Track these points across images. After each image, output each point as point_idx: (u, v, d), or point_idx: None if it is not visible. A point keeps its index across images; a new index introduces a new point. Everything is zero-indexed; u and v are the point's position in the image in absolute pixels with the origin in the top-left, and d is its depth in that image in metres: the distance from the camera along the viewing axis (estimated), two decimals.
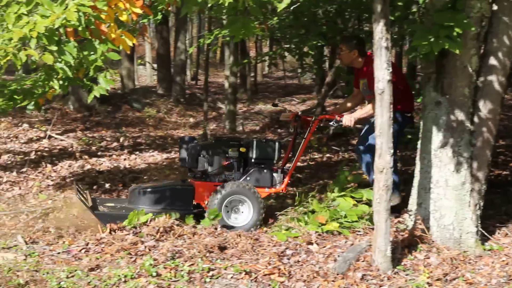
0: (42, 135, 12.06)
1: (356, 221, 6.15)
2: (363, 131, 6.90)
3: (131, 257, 5.22)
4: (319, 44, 10.49)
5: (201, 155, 6.63)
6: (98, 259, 5.20)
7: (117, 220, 6.04)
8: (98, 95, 6.40)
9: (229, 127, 13.96)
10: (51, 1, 4.60)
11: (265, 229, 6.18)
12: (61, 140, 11.72)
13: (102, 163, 9.79)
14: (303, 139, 6.81)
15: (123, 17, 4.72)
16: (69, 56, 4.79)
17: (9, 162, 9.63)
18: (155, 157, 10.40)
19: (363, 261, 5.14)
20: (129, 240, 5.52)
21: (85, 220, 6.32)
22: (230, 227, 6.15)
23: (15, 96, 6.70)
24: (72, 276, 4.83)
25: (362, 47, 6.93)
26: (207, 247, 5.35)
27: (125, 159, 10.15)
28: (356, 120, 6.80)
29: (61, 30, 4.66)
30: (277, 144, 6.74)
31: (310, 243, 5.62)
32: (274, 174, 6.72)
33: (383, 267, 4.98)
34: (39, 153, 10.37)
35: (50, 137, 11.80)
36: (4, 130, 12.37)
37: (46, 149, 10.84)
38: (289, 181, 6.78)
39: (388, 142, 4.86)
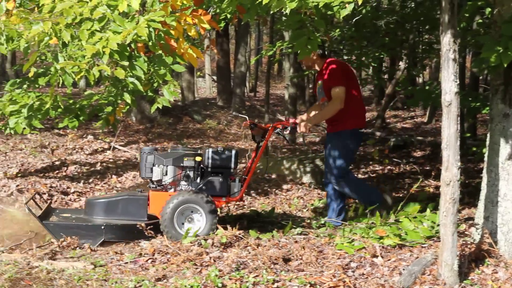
0: (106, 146, 12.30)
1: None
2: (326, 159, 6.87)
3: (196, 268, 5.28)
4: (381, 55, 10.46)
5: (156, 165, 6.61)
6: (164, 269, 5.27)
7: (66, 230, 6.14)
8: (161, 106, 6.54)
9: (289, 138, 13.96)
10: (123, 17, 4.72)
11: (329, 241, 6.16)
12: (125, 151, 11.93)
13: None
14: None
15: (192, 33, 4.79)
16: (140, 70, 4.89)
17: (75, 173, 9.85)
18: None
19: (429, 275, 5.08)
20: (194, 250, 5.58)
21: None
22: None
23: (82, 114, 6.88)
24: (140, 286, 4.91)
25: (321, 49, 6.82)
26: (271, 259, 5.36)
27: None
28: (311, 126, 6.81)
29: (132, 45, 4.77)
30: (233, 152, 6.65)
31: (375, 255, 5.58)
32: (232, 183, 6.65)
33: (450, 281, 4.92)
34: (104, 164, 10.58)
35: (114, 148, 12.02)
36: (70, 142, 12.67)
37: (111, 160, 11.05)
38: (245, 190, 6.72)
39: (455, 154, 4.81)
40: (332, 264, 5.36)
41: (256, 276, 5.06)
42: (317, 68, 6.88)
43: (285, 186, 9.21)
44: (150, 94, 6.85)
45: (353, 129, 6.66)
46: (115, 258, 5.69)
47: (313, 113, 7.21)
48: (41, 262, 5.43)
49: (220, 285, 4.86)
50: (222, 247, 5.73)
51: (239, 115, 6.91)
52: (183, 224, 6.27)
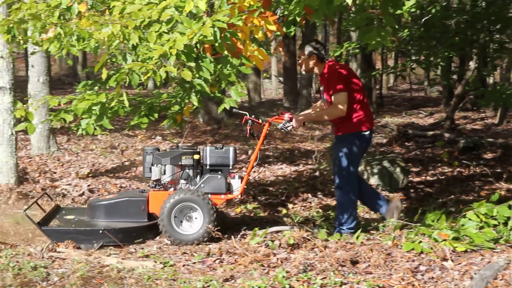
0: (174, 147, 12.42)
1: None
2: (334, 159, 6.63)
3: (264, 269, 5.29)
4: (450, 55, 10.29)
5: (154, 165, 6.61)
6: (232, 270, 5.29)
7: (65, 236, 6.13)
8: (228, 107, 6.56)
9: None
10: (190, 19, 4.75)
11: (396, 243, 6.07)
12: None
13: None
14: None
15: (259, 35, 4.79)
16: (206, 71, 4.92)
17: None
18: (284, 169, 10.47)
19: (501, 280, 4.94)
20: (261, 252, 5.59)
21: None
22: (179, 239, 6.16)
23: (151, 112, 6.95)
24: (208, 286, 4.94)
25: (320, 52, 6.50)
26: (339, 261, 5.32)
27: (254, 171, 10.29)
28: (305, 121, 6.62)
29: (199, 46, 4.80)
30: (231, 149, 6.58)
31: (444, 259, 5.48)
32: (232, 181, 6.58)
33: None
34: None
35: None
36: (139, 142, 12.88)
37: None
38: (245, 187, 6.61)
39: None
40: (401, 267, 5.29)
41: (324, 278, 5.03)
42: (317, 71, 6.62)
43: None
44: (217, 95, 6.88)
45: (358, 132, 6.43)
46: (183, 258, 5.75)
47: (310, 111, 7.07)
48: (112, 261, 5.52)
49: (287, 286, 4.86)
50: (289, 248, 5.72)
51: (239, 111, 6.77)
52: (181, 222, 6.29)
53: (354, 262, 5.36)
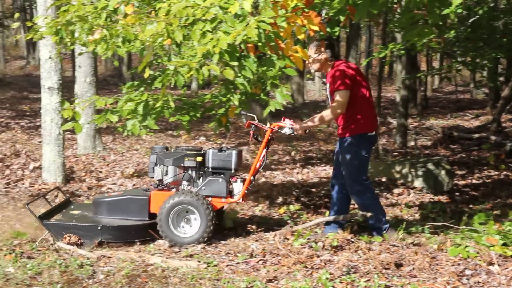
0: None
1: None
2: (342, 164, 6.45)
3: (307, 270, 5.28)
4: (497, 57, 10.12)
5: (157, 165, 6.59)
6: (275, 270, 5.30)
7: (65, 231, 6.21)
8: (273, 109, 6.56)
9: (400, 142, 13.74)
10: (235, 19, 4.76)
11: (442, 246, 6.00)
12: None
13: (275, 177, 9.97)
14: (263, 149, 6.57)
15: (301, 35, 4.78)
16: (249, 71, 4.92)
17: None
18: (327, 171, 10.43)
19: None
20: (305, 253, 5.58)
21: None
22: (175, 241, 6.17)
23: (193, 111, 7.00)
24: (252, 287, 4.96)
25: (331, 51, 6.34)
26: (383, 263, 5.29)
27: (297, 173, 10.28)
28: (306, 129, 6.46)
29: (242, 46, 4.81)
30: (233, 153, 6.48)
31: (491, 263, 5.39)
32: (234, 184, 6.51)
33: None
34: None
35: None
36: (183, 143, 12.97)
37: None
38: (246, 191, 6.50)
39: None
40: (446, 270, 5.23)
41: (368, 280, 5.01)
42: (326, 70, 6.49)
43: (396, 190, 9.05)
44: (262, 97, 6.89)
45: (364, 133, 6.31)
46: (227, 258, 5.77)
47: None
48: (157, 260, 5.57)
49: None
50: (333, 250, 5.70)
51: (248, 114, 6.70)
52: (180, 224, 6.30)
53: (399, 265, 5.32)
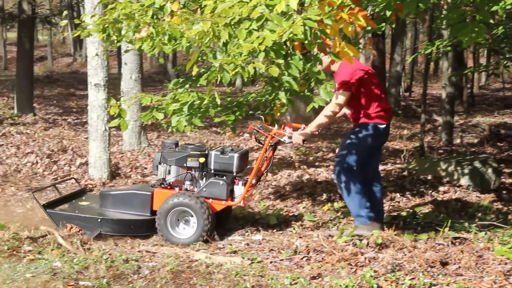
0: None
1: None
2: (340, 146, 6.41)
3: (351, 268, 5.26)
4: None
5: (161, 163, 6.60)
6: (319, 268, 5.29)
7: (67, 220, 6.38)
8: (317, 106, 6.54)
9: (445, 139, 13.59)
10: (281, 17, 4.76)
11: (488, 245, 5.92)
12: (279, 149, 12.07)
13: (319, 174, 9.94)
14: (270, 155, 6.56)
15: (348, 31, 4.75)
16: (295, 69, 4.91)
17: None
18: None
19: None
20: (349, 250, 5.56)
21: None
22: (172, 241, 6.23)
23: (238, 110, 7.02)
24: (295, 283, 4.96)
25: None
26: (428, 262, 5.24)
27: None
28: (305, 139, 6.28)
29: (288, 43, 4.80)
30: (235, 156, 6.43)
31: None
32: (235, 187, 6.46)
33: None
34: None
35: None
36: (227, 140, 13.02)
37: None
38: (246, 195, 6.46)
39: None
40: (493, 269, 5.16)
41: (412, 278, 4.97)
42: (333, 69, 6.42)
43: (441, 188, 8.95)
44: (306, 94, 6.88)
45: (375, 123, 6.19)
46: (270, 255, 5.78)
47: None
48: (201, 256, 5.61)
49: (375, 286, 4.83)
50: (377, 248, 5.67)
51: (255, 114, 6.66)
52: (179, 224, 6.35)
53: (444, 263, 5.27)
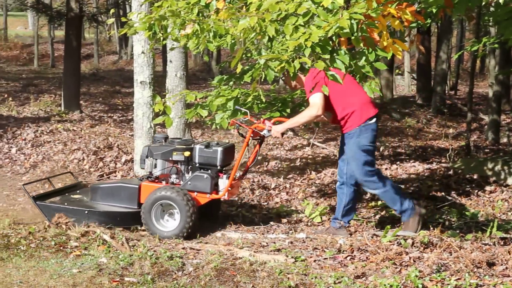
0: (305, 143, 12.49)
1: None
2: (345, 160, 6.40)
3: (396, 267, 5.21)
4: None
5: (148, 157, 6.65)
6: (363, 267, 5.25)
7: (57, 212, 6.47)
8: None
9: (492, 138, 13.39)
10: (327, 13, 4.73)
11: None
12: (323, 148, 12.04)
13: None
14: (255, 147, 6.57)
15: (396, 25, 4.70)
16: (341, 64, 4.89)
17: (276, 168, 10.10)
18: (416, 167, 10.25)
19: None
20: (394, 250, 5.51)
21: None
22: (156, 234, 6.30)
23: (283, 107, 7.01)
24: (339, 282, 4.93)
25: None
26: (474, 262, 5.16)
27: (386, 169, 10.15)
28: (285, 130, 6.40)
29: (334, 38, 4.77)
30: (219, 150, 6.45)
31: None
32: (220, 181, 6.50)
33: None
34: (303, 160, 10.75)
35: (313, 145, 12.16)
36: (271, 138, 13.02)
37: (310, 156, 11.20)
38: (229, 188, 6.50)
39: None
40: None
41: (458, 279, 4.90)
42: (301, 84, 6.53)
43: (488, 188, 8.82)
44: None
45: (361, 125, 6.22)
46: (314, 253, 5.76)
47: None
48: (245, 254, 5.62)
49: (420, 286, 4.77)
50: (422, 247, 5.61)
51: (241, 109, 6.63)
52: (163, 217, 6.44)
53: (491, 264, 5.19)
